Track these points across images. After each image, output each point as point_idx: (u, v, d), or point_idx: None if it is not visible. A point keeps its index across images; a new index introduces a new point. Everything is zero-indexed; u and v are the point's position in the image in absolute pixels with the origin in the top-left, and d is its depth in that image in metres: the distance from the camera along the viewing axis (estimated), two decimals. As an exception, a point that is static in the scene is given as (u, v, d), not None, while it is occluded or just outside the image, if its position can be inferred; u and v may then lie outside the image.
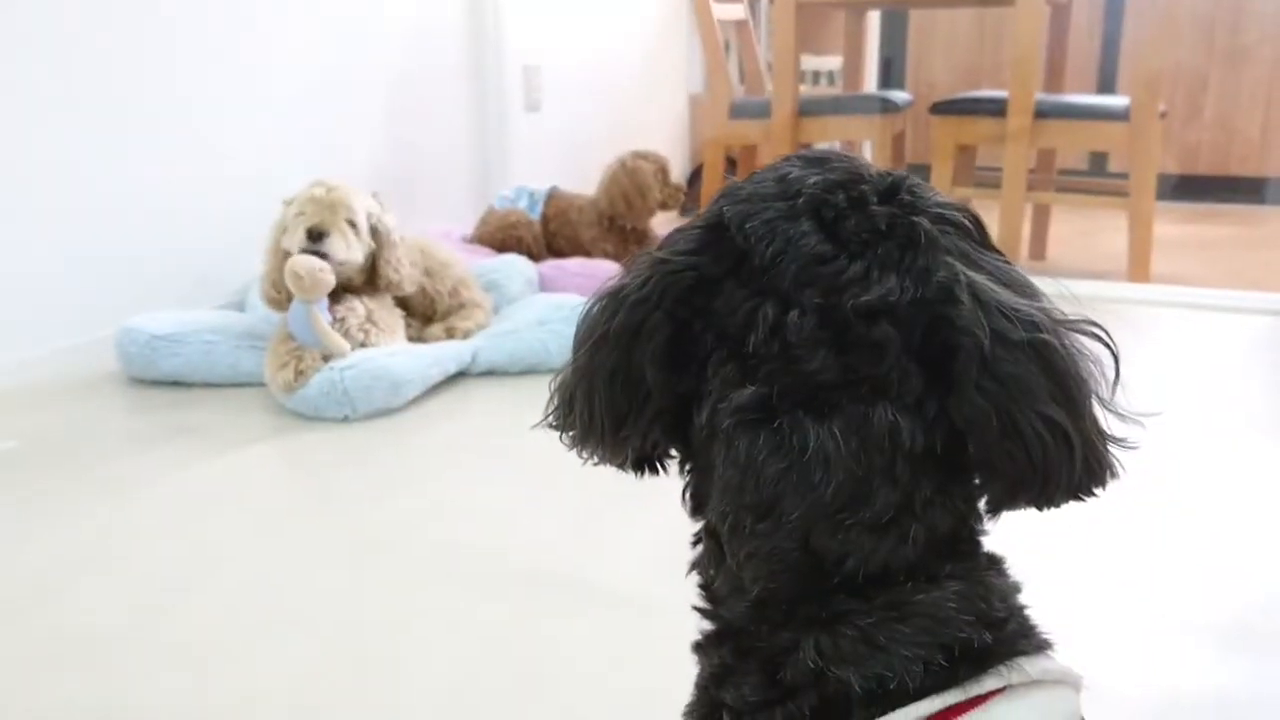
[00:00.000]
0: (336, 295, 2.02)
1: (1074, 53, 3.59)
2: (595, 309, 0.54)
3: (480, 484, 1.66)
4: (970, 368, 0.46)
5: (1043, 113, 2.94)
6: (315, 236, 1.98)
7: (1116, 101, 3.05)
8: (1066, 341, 0.49)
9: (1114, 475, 0.50)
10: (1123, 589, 1.29)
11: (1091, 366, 0.49)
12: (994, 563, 0.52)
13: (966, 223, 0.51)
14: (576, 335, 0.55)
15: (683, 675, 1.10)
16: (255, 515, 1.55)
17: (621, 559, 1.38)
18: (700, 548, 0.56)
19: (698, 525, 0.56)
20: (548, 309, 2.23)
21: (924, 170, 3.30)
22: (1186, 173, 4.33)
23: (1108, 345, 0.51)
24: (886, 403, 0.47)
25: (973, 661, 0.47)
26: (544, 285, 2.58)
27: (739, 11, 3.70)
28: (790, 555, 0.49)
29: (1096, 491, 0.49)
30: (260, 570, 1.37)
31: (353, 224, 2.03)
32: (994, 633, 0.48)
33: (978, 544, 0.52)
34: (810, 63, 4.32)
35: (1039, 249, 3.40)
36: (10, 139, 2.05)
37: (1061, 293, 0.56)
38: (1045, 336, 0.47)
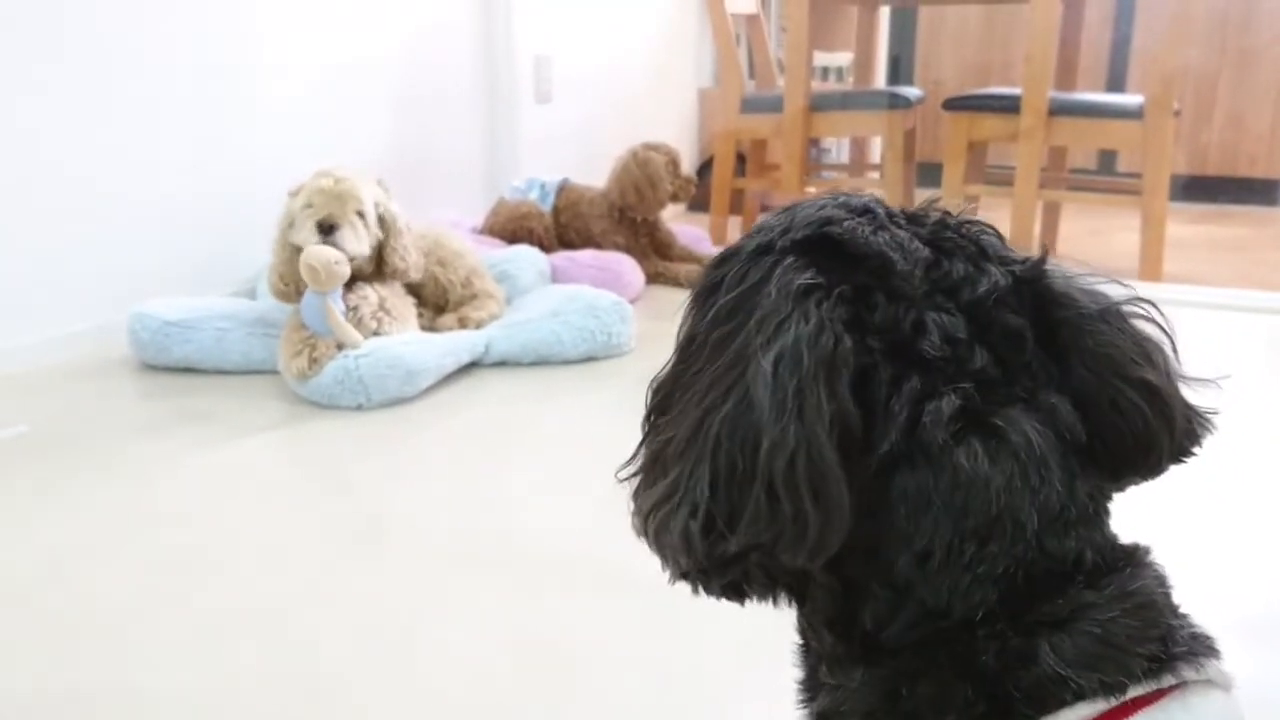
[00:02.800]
0: (349, 283, 2.01)
1: (1085, 50, 3.58)
2: (728, 320, 0.46)
3: (494, 472, 1.65)
4: (1074, 339, 0.46)
5: (1056, 110, 2.93)
6: (325, 230, 1.97)
7: (1130, 100, 3.04)
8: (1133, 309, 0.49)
9: (1210, 430, 0.49)
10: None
11: (1159, 331, 0.49)
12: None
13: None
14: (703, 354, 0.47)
15: (702, 657, 1.10)
16: (269, 501, 1.55)
17: (636, 544, 1.37)
18: (823, 624, 0.50)
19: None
20: (561, 300, 2.22)
21: (935, 168, 3.29)
22: (1196, 173, 4.32)
23: (1158, 323, 0.51)
24: (1052, 389, 0.46)
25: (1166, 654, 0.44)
26: (556, 277, 2.57)
27: (751, 5, 3.69)
28: (1016, 570, 0.44)
29: (1195, 450, 0.49)
30: (274, 556, 1.37)
31: (361, 214, 2.03)
32: (1180, 619, 0.46)
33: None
34: (820, 58, 4.31)
35: (1049, 247, 3.39)
36: (22, 126, 2.05)
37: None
38: (1121, 305, 0.48)
